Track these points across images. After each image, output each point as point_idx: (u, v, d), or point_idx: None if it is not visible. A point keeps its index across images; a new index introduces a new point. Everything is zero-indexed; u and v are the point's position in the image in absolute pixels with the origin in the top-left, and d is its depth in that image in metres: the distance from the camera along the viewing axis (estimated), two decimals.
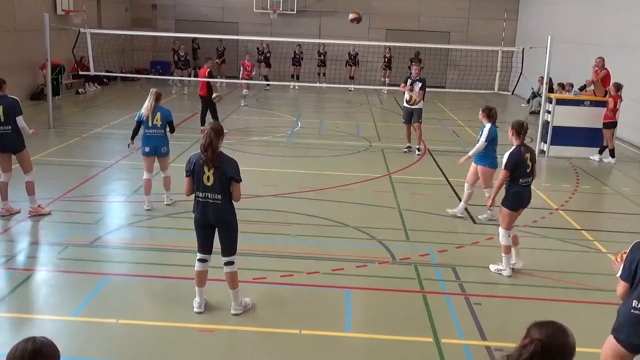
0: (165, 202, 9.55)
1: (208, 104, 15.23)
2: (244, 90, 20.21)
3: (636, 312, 4.17)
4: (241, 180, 6.02)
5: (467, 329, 6.14)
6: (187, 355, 5.53)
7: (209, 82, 15.14)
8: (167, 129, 9.41)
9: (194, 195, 6.06)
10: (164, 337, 5.82)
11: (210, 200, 5.97)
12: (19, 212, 8.91)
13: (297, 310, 6.44)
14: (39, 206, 8.90)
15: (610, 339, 4.38)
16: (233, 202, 6.07)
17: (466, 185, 9.54)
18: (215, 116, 15.15)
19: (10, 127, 8.56)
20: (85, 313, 6.16)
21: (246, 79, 19.71)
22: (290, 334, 5.95)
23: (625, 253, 4.36)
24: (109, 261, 7.61)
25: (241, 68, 20.01)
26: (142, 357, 5.52)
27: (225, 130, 6.25)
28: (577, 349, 5.82)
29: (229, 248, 6.17)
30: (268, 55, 25.39)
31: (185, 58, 24.21)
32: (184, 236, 8.34)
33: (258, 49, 25.96)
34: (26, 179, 8.78)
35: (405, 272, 7.46)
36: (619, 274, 4.31)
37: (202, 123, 15.12)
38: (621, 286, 4.29)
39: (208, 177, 5.91)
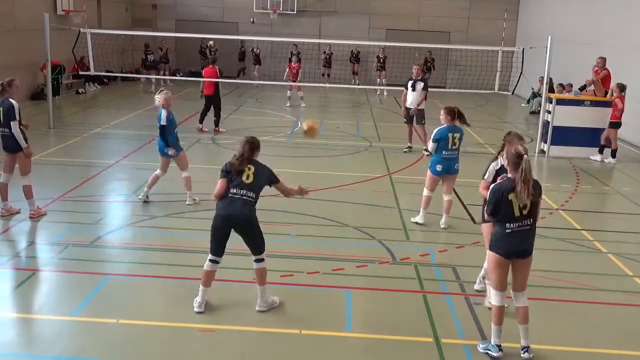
0: (187, 202, 9.56)
1: (213, 104, 15.43)
2: (295, 93, 20.49)
3: (508, 230, 5.49)
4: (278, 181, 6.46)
5: (467, 329, 6.14)
6: (187, 355, 5.53)
7: (217, 82, 15.40)
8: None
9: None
10: (164, 337, 5.81)
11: (244, 197, 6.14)
12: (19, 212, 8.91)
13: (297, 310, 6.45)
14: (38, 207, 8.91)
15: (492, 255, 5.58)
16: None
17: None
18: (218, 114, 15.47)
19: (8, 130, 8.60)
20: (85, 313, 6.16)
21: (292, 81, 19.95)
22: (290, 334, 5.94)
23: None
24: (109, 261, 7.61)
25: (287, 70, 20.23)
26: (142, 357, 5.52)
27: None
28: (576, 349, 5.86)
29: (259, 247, 6.31)
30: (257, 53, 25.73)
31: (160, 58, 25.18)
32: (184, 236, 8.36)
33: (253, 50, 26.03)
34: (23, 182, 8.77)
35: (405, 272, 7.46)
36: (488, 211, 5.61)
37: (201, 121, 15.42)
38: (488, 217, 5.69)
39: (248, 176, 6.15)
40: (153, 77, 24.04)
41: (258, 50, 25.84)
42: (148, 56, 24.80)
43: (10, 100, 8.61)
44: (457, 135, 8.82)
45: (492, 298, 5.67)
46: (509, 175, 5.54)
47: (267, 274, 6.32)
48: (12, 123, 8.54)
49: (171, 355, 5.54)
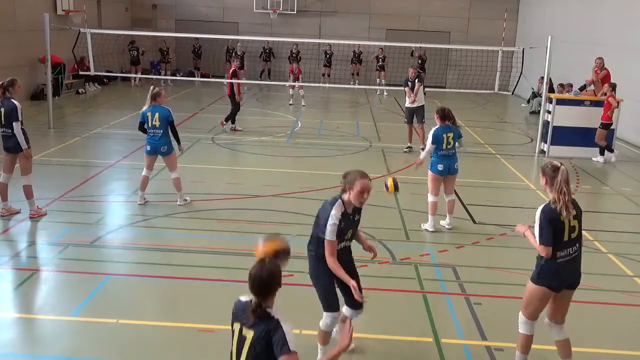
0: (178, 203, 9.55)
1: (231, 103, 15.65)
2: (298, 92, 20.55)
3: (560, 260, 4.94)
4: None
5: (467, 329, 6.14)
6: (187, 355, 5.53)
7: (232, 82, 15.54)
8: (169, 129, 9.45)
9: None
10: (164, 337, 5.81)
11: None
12: (19, 212, 8.92)
13: (297, 310, 6.44)
14: (38, 207, 8.91)
15: (537, 288, 5.02)
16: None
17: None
18: (232, 113, 15.66)
19: (10, 130, 8.62)
20: (85, 313, 6.16)
21: (295, 81, 20.05)
22: None
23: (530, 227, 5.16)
24: (109, 261, 7.61)
25: (290, 74, 20.40)
26: (142, 357, 5.52)
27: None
28: (576, 349, 5.83)
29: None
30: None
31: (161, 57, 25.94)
32: (184, 236, 8.36)
33: (228, 47, 25.94)
34: (23, 182, 8.77)
35: (405, 272, 7.46)
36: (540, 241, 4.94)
37: (232, 121, 15.79)
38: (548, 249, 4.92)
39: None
40: (151, 77, 24.03)
41: (241, 52, 24.86)
42: (131, 52, 24.87)
43: (13, 100, 8.62)
44: (450, 134, 8.83)
45: (522, 326, 5.18)
46: (552, 195, 5.00)
47: (324, 334, 5.52)
48: (14, 124, 8.55)
49: (171, 355, 5.54)
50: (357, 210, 5.24)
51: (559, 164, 5.03)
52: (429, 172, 8.92)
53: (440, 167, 8.79)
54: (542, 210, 4.93)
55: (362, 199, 5.01)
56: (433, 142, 8.79)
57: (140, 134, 9.70)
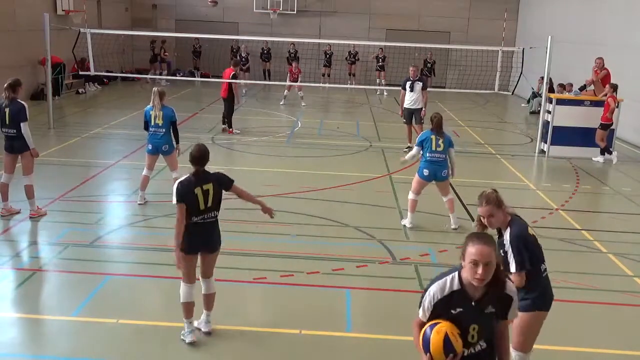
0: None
1: (228, 105, 15.38)
2: (297, 93, 20.55)
3: (545, 274, 4.57)
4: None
5: None
6: (187, 355, 5.53)
7: (230, 84, 15.29)
8: (171, 128, 9.49)
9: None
10: (164, 337, 5.82)
11: None
12: (19, 212, 8.92)
13: (297, 310, 6.45)
14: (38, 208, 8.91)
15: (537, 315, 4.55)
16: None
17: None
18: (229, 116, 15.44)
19: (15, 131, 8.63)
20: (85, 313, 6.16)
21: (292, 82, 19.98)
22: (290, 334, 5.95)
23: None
24: (109, 261, 7.62)
25: (288, 74, 20.32)
26: (142, 357, 5.52)
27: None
28: (576, 349, 5.85)
29: None
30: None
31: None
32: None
33: (232, 47, 25.83)
34: (25, 182, 8.78)
35: (405, 272, 7.46)
36: (515, 269, 4.41)
37: (228, 124, 15.45)
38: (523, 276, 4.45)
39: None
40: (152, 77, 24.03)
41: (246, 54, 24.82)
42: (151, 49, 25.53)
43: (20, 101, 8.68)
44: (440, 138, 8.82)
45: None
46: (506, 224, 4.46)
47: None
48: (22, 124, 8.59)
49: (171, 355, 5.54)
50: (495, 297, 3.47)
51: (491, 189, 4.55)
52: (416, 175, 9.06)
53: (425, 172, 8.86)
54: (517, 236, 4.36)
55: (476, 274, 3.36)
56: (417, 144, 8.91)
57: (141, 134, 9.74)
